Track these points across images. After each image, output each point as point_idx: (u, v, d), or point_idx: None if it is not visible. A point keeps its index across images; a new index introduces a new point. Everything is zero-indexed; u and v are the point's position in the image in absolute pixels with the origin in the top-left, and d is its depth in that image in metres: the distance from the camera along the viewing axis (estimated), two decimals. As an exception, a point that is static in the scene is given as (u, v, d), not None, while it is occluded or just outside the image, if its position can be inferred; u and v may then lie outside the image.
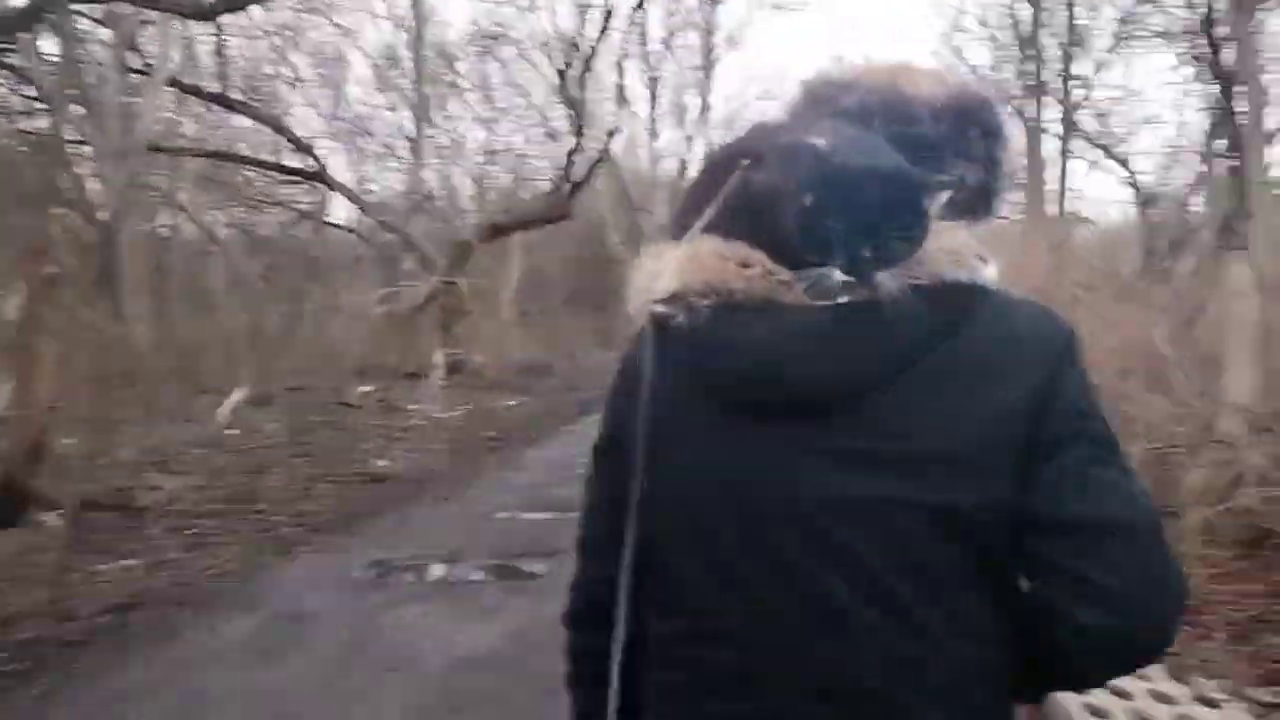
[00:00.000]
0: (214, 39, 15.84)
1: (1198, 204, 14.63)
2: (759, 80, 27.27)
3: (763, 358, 0.98)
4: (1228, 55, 9.13)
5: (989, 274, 1.02)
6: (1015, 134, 1.31)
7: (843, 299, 0.96)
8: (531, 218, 16.84)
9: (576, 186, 15.59)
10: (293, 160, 17.25)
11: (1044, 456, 0.96)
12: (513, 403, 14.28)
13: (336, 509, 7.42)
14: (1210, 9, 7.97)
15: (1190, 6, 11.77)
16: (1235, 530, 5.82)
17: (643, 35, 24.00)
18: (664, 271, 1.03)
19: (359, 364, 16.05)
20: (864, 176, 0.95)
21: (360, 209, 17.99)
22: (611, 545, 1.06)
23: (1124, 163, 15.46)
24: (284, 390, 14.75)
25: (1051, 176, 14.87)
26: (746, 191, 1.02)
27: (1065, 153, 14.96)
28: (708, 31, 24.51)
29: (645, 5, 18.83)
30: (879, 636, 0.96)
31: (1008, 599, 1.01)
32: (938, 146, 1.05)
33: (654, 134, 25.35)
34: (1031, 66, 14.65)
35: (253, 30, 16.44)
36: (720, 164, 1.07)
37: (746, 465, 1.00)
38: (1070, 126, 14.99)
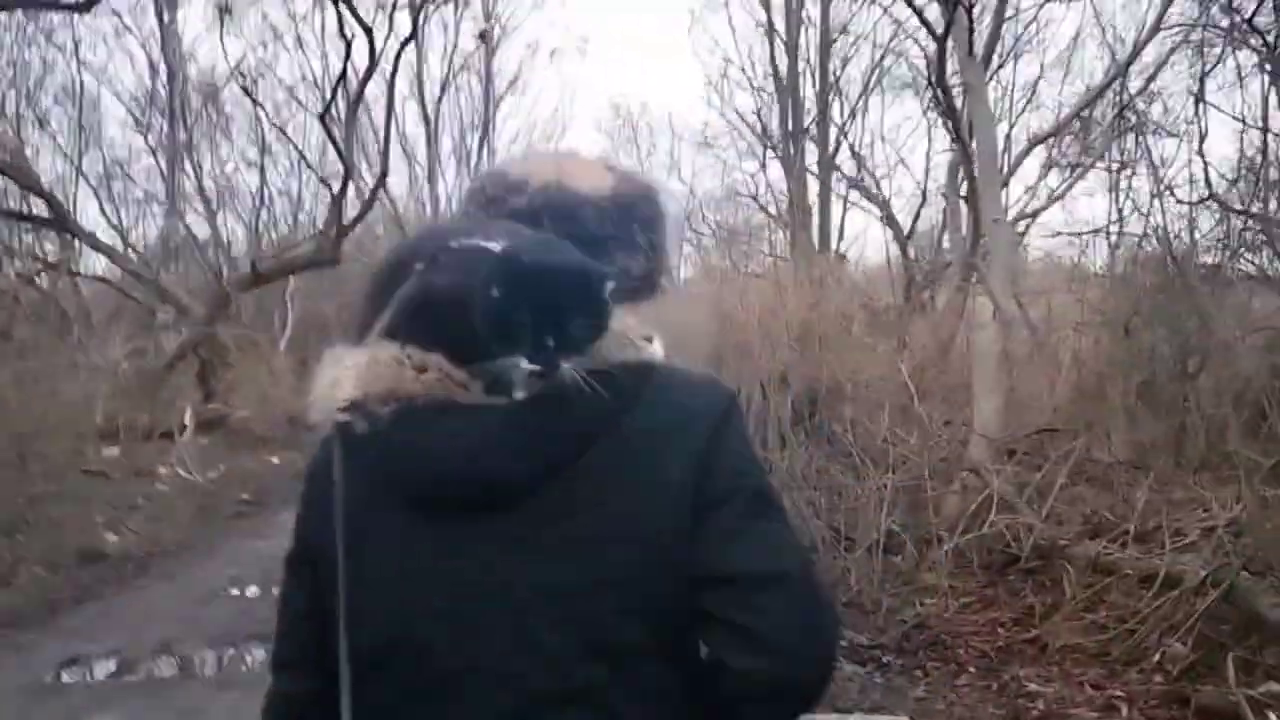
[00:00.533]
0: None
1: (947, 242, 15.66)
2: (541, 124, 26.91)
3: (443, 457, 1.01)
4: (961, 102, 9.77)
5: (655, 351, 1.09)
6: (675, 217, 1.31)
7: (519, 394, 1.00)
8: (297, 263, 15.88)
9: (344, 230, 14.83)
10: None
11: (706, 515, 1.00)
12: (276, 460, 13.27)
13: (36, 597, 6.41)
14: (942, 60, 8.45)
15: (927, 60, 12.62)
16: (984, 557, 6.01)
17: (418, 78, 23.51)
18: (343, 379, 1.04)
19: (106, 425, 14.58)
20: (548, 273, 0.99)
21: (107, 257, 16.41)
22: (318, 658, 1.08)
23: (882, 203, 16.40)
24: (13, 457, 13.26)
25: (814, 218, 15.58)
26: (425, 294, 1.03)
27: (824, 194, 15.63)
28: (487, 77, 24.21)
29: (419, 46, 18.41)
30: (569, 711, 0.99)
31: (690, 664, 1.05)
32: (602, 241, 1.09)
33: (433, 178, 24.69)
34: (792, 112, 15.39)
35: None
36: (394, 267, 1.09)
37: (440, 565, 1.02)
38: (829, 168, 15.70)
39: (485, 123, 24.11)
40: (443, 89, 23.90)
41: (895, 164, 17.76)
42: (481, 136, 24.47)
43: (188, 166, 19.02)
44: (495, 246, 1.01)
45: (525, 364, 0.98)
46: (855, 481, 6.16)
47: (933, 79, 9.77)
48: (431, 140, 24.80)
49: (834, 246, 15.72)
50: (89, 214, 20.61)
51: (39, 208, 15.39)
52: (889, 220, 16.12)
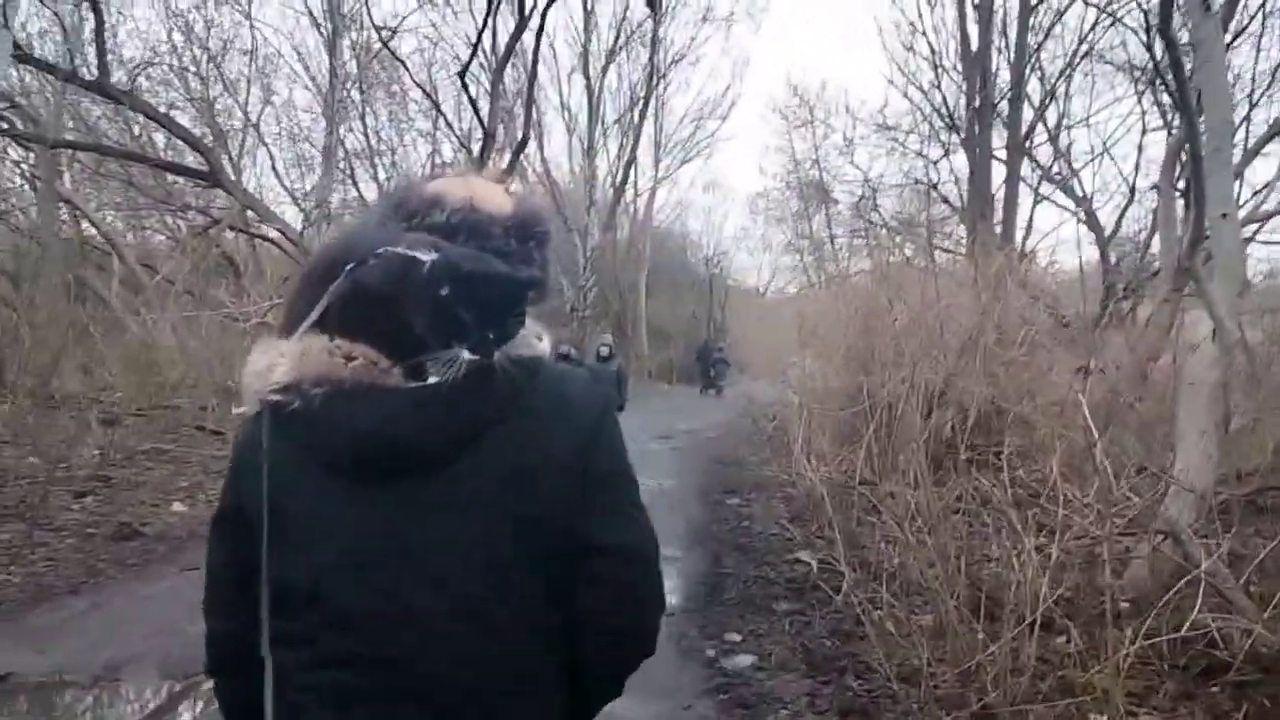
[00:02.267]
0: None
1: (1156, 245, 13.51)
2: (712, 99, 25.77)
3: (366, 429, 1.22)
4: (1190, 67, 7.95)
5: (544, 348, 1.33)
6: (556, 235, 1.46)
7: (433, 379, 1.22)
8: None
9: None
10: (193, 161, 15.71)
11: (593, 491, 1.29)
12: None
13: (33, 581, 5.65)
14: (1168, 6, 6.68)
15: (1148, 28, 10.65)
16: (1177, 655, 4.49)
17: (584, 48, 22.81)
18: (277, 365, 1.24)
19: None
20: (490, 278, 1.20)
21: (258, 214, 16.43)
22: (236, 601, 1.30)
23: (1080, 198, 14.29)
24: (152, 407, 13.34)
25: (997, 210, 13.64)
26: (357, 292, 1.22)
27: (1012, 182, 13.57)
28: (653, 45, 23.21)
29: (586, 13, 17.57)
30: (465, 641, 1.23)
31: (561, 604, 1.30)
32: (507, 255, 1.25)
33: (592, 151, 23.99)
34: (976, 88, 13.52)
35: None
36: (325, 267, 1.28)
37: (357, 519, 1.24)
38: (1020, 153, 13.70)
39: (648, 94, 23.10)
40: (608, 59, 23.12)
41: (1099, 155, 15.50)
42: (643, 109, 23.53)
43: (344, 131, 18.92)
44: (425, 255, 1.18)
45: (467, 354, 1.21)
46: (1007, 535, 4.75)
47: (1154, 31, 7.93)
48: (594, 112, 24.15)
49: (1019, 243, 13.75)
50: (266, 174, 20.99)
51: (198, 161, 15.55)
52: (1088, 217, 14.06)
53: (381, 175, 20.17)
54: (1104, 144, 14.82)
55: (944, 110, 14.74)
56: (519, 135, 14.47)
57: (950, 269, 11.45)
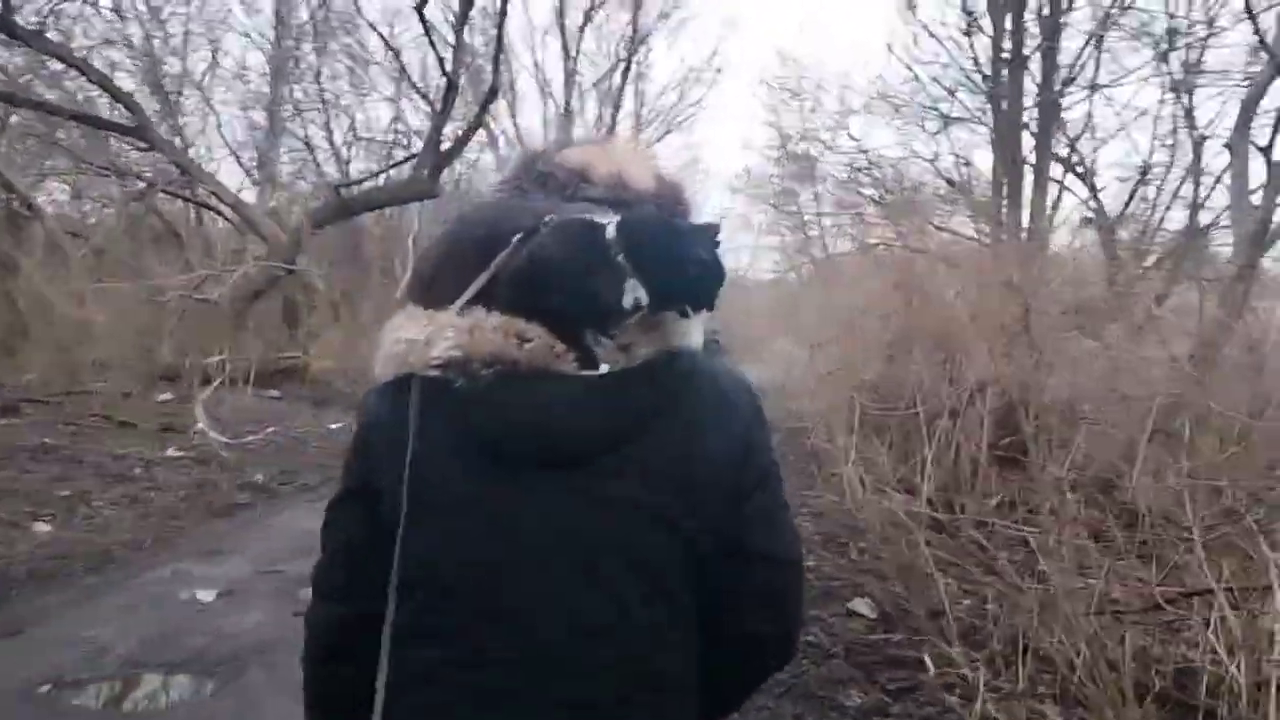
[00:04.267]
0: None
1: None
2: (694, 71, 23.97)
3: (540, 417, 1.13)
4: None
5: (699, 339, 1.21)
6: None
7: (604, 369, 1.13)
8: (388, 193, 13.64)
9: (443, 158, 12.49)
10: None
11: (745, 497, 1.20)
12: (335, 425, 11.09)
13: None
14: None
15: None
16: None
17: (560, 6, 21.02)
18: (439, 339, 1.14)
19: (168, 365, 12.81)
20: (683, 245, 1.12)
21: (190, 175, 14.60)
22: (357, 583, 1.19)
23: (1084, 173, 12.67)
24: (66, 392, 11.65)
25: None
26: (534, 263, 1.13)
27: (1043, 154, 11.91)
28: (635, 4, 21.40)
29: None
30: (619, 643, 1.15)
31: (705, 607, 1.21)
32: None
33: (569, 114, 22.22)
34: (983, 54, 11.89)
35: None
36: (486, 237, 1.19)
37: (512, 509, 1.13)
38: (1054, 111, 12.07)
39: (630, 55, 21.41)
40: (585, 18, 21.38)
41: (1121, 129, 13.69)
42: (625, 70, 21.82)
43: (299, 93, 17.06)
44: (604, 219, 1.12)
45: (644, 341, 1.15)
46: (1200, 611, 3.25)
47: None
48: (570, 76, 22.41)
49: (1049, 218, 12.16)
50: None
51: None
52: (1092, 194, 12.50)
53: (339, 139, 18.37)
54: (1118, 115, 13.00)
55: (969, 63, 13.02)
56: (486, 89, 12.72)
57: (983, 248, 9.86)
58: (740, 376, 1.28)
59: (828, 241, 22.42)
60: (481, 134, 17.28)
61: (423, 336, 1.15)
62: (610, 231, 1.10)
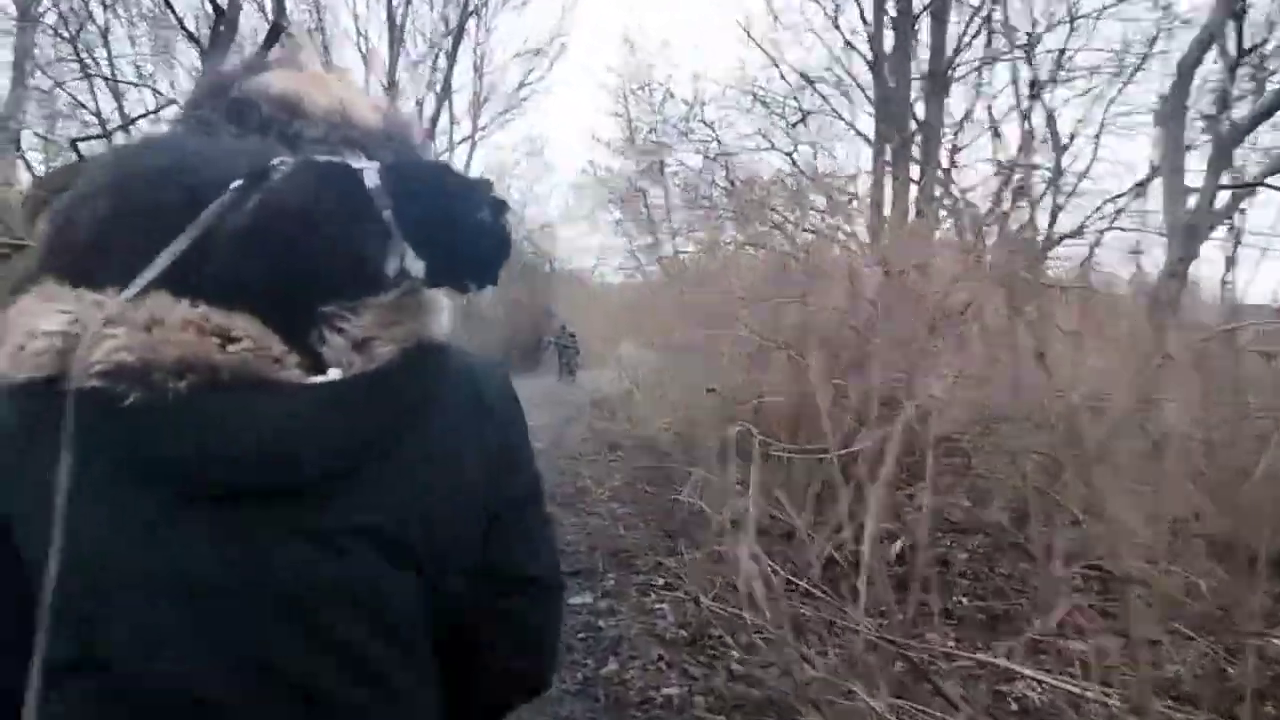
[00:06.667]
0: None
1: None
2: (535, 52, 21.90)
3: (247, 443, 0.80)
4: None
5: (446, 324, 0.90)
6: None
7: (335, 374, 0.82)
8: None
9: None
10: None
11: (505, 517, 0.96)
12: None
13: None
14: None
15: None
16: None
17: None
18: (103, 337, 0.77)
19: None
20: (473, 223, 0.84)
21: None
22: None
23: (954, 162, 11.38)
24: None
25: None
26: (268, 219, 0.80)
27: (934, 116, 10.39)
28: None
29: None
30: (366, 712, 0.87)
31: (450, 644, 0.97)
32: None
33: (393, 91, 19.73)
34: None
35: None
36: (158, 186, 0.81)
37: (199, 556, 0.80)
38: (941, 81, 10.49)
39: (460, 27, 19.14)
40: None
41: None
42: (454, 45, 19.53)
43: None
44: (360, 164, 0.83)
45: (397, 334, 0.84)
46: None
47: None
48: (395, 45, 19.93)
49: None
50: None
51: None
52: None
53: (102, 84, 15.53)
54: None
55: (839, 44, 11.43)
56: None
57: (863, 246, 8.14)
58: (499, 374, 1.01)
59: (678, 241, 20.65)
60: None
61: (74, 330, 0.77)
62: (371, 178, 0.81)
